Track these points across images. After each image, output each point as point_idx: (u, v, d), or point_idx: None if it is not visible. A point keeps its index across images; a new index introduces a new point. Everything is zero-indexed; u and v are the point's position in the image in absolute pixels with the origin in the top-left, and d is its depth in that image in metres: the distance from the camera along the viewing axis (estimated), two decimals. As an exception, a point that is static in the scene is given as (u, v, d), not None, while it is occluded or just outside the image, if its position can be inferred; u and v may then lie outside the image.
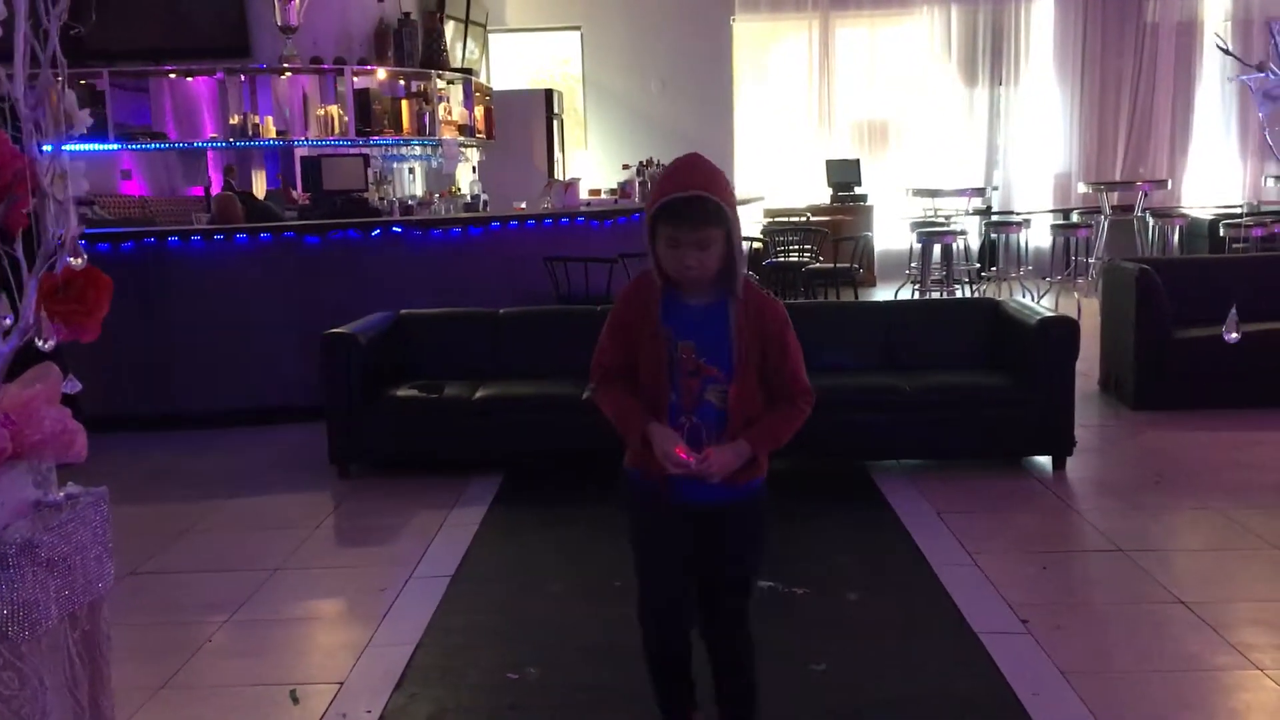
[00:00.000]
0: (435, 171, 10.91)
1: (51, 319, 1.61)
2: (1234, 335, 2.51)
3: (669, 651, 2.73)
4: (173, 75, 9.63)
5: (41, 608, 1.53)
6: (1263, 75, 2.15)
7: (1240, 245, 9.40)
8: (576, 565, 4.39)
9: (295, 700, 3.32)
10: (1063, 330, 5.41)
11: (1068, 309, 8.40)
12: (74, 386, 1.61)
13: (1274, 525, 4.53)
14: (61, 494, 1.66)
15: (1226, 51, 2.79)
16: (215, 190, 9.38)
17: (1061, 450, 5.44)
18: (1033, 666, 3.38)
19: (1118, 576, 4.14)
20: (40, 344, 1.51)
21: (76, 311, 1.62)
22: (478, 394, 5.65)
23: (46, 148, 1.58)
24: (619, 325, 2.61)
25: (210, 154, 9.90)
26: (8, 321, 1.56)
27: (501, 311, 6.29)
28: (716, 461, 2.49)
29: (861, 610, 3.88)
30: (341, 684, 3.40)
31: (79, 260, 1.50)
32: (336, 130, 9.56)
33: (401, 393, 5.70)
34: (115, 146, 9.31)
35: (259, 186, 10.02)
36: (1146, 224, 11.52)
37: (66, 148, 1.60)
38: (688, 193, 2.42)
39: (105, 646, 1.71)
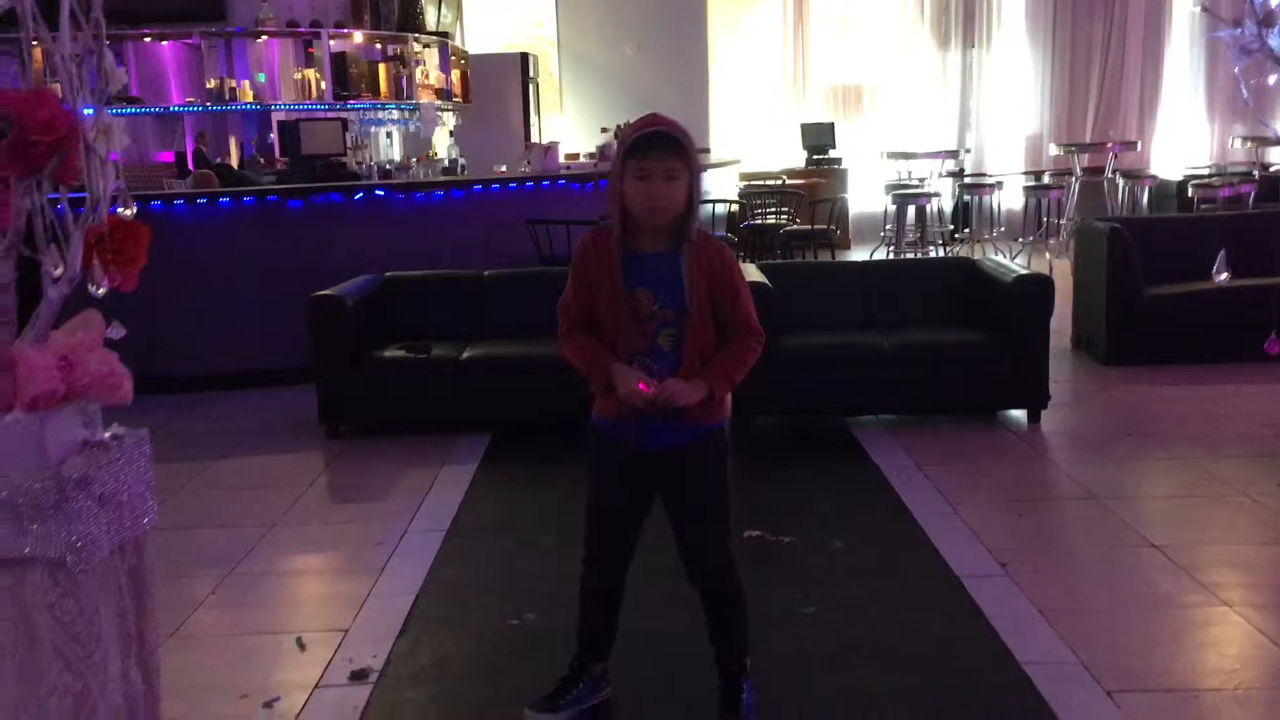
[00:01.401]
0: (412, 136, 10.91)
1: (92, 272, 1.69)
2: (1224, 276, 2.64)
3: (602, 583, 2.89)
4: (148, 39, 9.57)
5: (95, 540, 1.62)
6: (1238, 30, 2.24)
7: (1208, 206, 9.57)
8: (568, 520, 4.41)
9: (301, 647, 3.42)
10: (1038, 287, 5.55)
11: (1039, 270, 8.55)
12: (118, 332, 1.69)
13: (1242, 472, 4.70)
14: (107, 434, 1.75)
15: (1205, 9, 2.87)
16: (189, 153, 9.40)
17: (1036, 404, 5.59)
18: (1012, 606, 3.52)
19: (1092, 522, 4.30)
20: (93, 290, 1.58)
21: (117, 262, 1.70)
22: (465, 354, 5.73)
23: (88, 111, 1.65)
24: (581, 273, 2.75)
25: (187, 119, 9.86)
26: (57, 271, 1.64)
27: (486, 274, 6.36)
28: (675, 388, 2.62)
29: (846, 557, 4.01)
30: (346, 631, 3.50)
31: (129, 210, 1.57)
32: (314, 94, 9.55)
33: (389, 354, 5.77)
34: (88, 112, 9.24)
35: (233, 154, 10.00)
36: (1116, 185, 11.68)
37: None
38: (654, 128, 2.60)
39: (150, 580, 1.80)
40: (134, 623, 1.75)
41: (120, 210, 1.59)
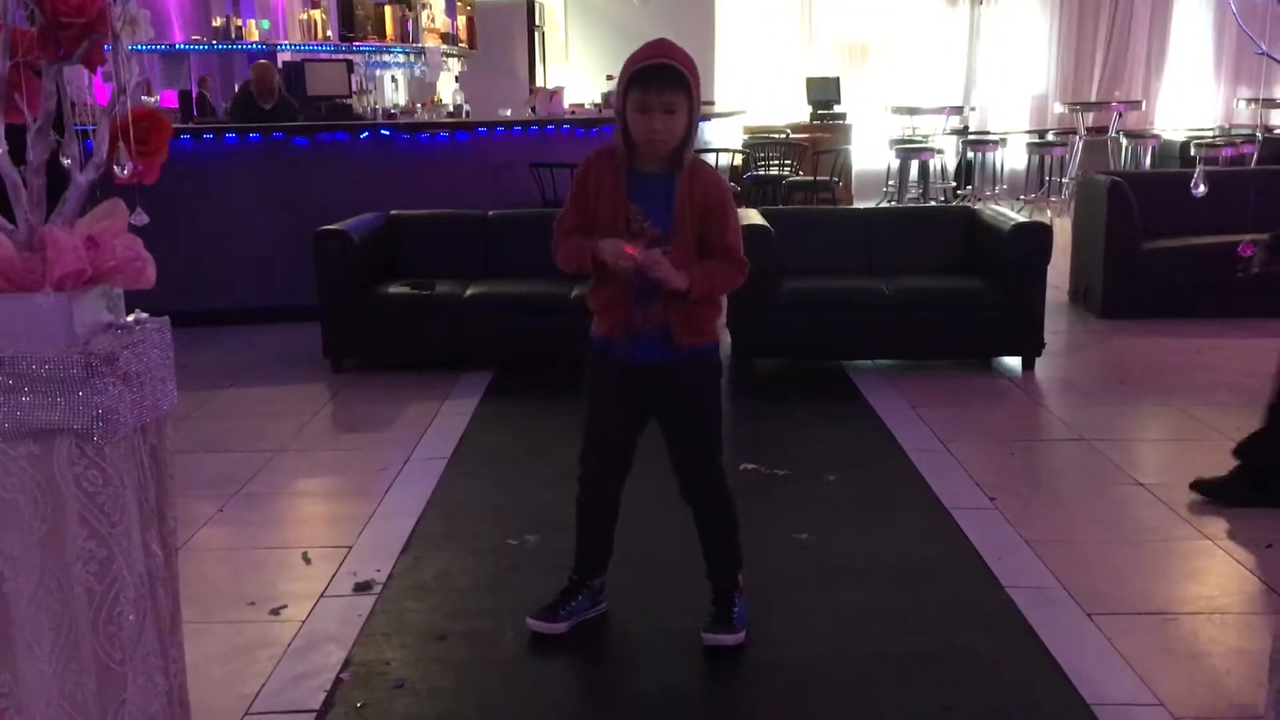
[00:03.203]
0: (418, 81, 10.91)
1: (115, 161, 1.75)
2: (1201, 189, 2.70)
3: (598, 496, 3.00)
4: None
5: (119, 414, 1.69)
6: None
7: (1210, 167, 9.59)
8: (567, 450, 4.46)
9: (307, 561, 3.51)
10: (1036, 234, 5.61)
11: (1041, 224, 8.58)
12: (142, 219, 1.76)
13: (1230, 419, 4.77)
14: (130, 319, 1.82)
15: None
16: (194, 94, 9.40)
17: (1031, 351, 5.66)
18: (999, 536, 3.62)
19: (1081, 462, 4.39)
20: (119, 170, 1.65)
21: (140, 153, 1.76)
22: (468, 292, 5.80)
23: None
24: (581, 188, 2.83)
25: (192, 58, 9.85)
26: (67, 161, 1.70)
27: (490, 214, 6.41)
28: (661, 263, 2.67)
29: (840, 489, 4.10)
30: (350, 548, 3.60)
31: (154, 98, 1.63)
32: (319, 35, 9.54)
33: (394, 289, 5.83)
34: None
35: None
36: (1120, 144, 11.70)
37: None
38: (657, 60, 2.64)
39: (169, 461, 1.88)
40: (155, 500, 1.83)
41: (145, 99, 1.65)
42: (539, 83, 12.21)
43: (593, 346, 2.91)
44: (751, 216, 5.70)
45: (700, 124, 2.87)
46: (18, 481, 1.67)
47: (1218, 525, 3.67)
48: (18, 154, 1.71)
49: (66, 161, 1.76)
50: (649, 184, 2.76)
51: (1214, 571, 3.39)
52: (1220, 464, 4.30)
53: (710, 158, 9.15)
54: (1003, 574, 3.33)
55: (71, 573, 1.70)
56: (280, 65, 9.66)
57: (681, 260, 2.75)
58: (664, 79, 2.64)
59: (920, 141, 11.48)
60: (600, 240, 2.73)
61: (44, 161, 1.67)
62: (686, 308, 2.77)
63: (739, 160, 10.40)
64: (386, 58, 10.33)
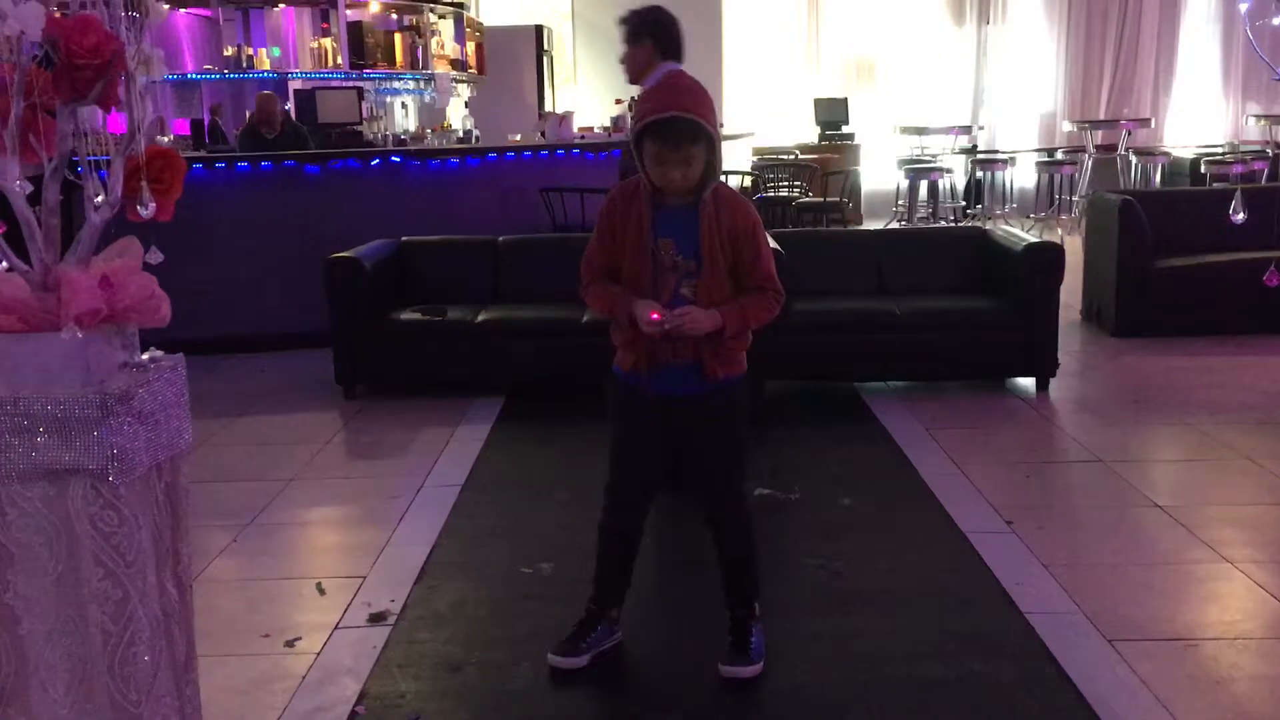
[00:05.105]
0: (428, 106, 10.96)
1: (131, 199, 1.75)
2: (1240, 216, 2.69)
3: (622, 528, 2.97)
4: (166, 7, 9.61)
5: (135, 454, 1.69)
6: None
7: (1221, 183, 9.57)
8: (581, 476, 4.53)
9: (321, 592, 3.50)
10: (1048, 255, 5.59)
11: (1052, 242, 8.56)
12: (158, 257, 1.76)
13: (1246, 439, 4.75)
14: (145, 357, 1.82)
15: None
16: (205, 123, 9.45)
17: (1045, 372, 5.63)
18: (1017, 561, 3.59)
19: (1097, 483, 4.36)
20: (142, 211, 1.65)
21: (155, 191, 1.76)
22: (480, 317, 5.80)
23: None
24: (607, 226, 2.81)
25: (204, 87, 9.91)
26: (99, 199, 1.70)
27: (501, 239, 6.42)
28: (689, 315, 2.67)
29: (854, 513, 4.08)
30: (364, 578, 3.59)
31: (166, 138, 1.63)
32: (330, 63, 9.59)
33: (405, 316, 5.84)
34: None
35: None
36: (1129, 162, 11.68)
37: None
38: (669, 114, 2.61)
39: (185, 499, 1.87)
40: (170, 539, 1.82)
41: (158, 139, 1.66)
42: (548, 107, 12.25)
43: (618, 380, 2.89)
44: (762, 239, 5.70)
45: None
46: (33, 522, 1.66)
47: (1236, 548, 3.64)
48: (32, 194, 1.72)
49: (97, 198, 1.76)
50: (675, 214, 2.75)
51: (1235, 595, 3.35)
52: (1233, 483, 4.29)
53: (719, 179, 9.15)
54: (1021, 599, 3.30)
55: (87, 613, 1.70)
56: (291, 93, 9.74)
57: (715, 290, 2.73)
58: (679, 133, 2.61)
59: (929, 161, 11.50)
60: (635, 302, 2.70)
61: (59, 202, 1.67)
62: (718, 342, 2.76)
63: (748, 182, 10.42)
64: (396, 84, 10.38)
